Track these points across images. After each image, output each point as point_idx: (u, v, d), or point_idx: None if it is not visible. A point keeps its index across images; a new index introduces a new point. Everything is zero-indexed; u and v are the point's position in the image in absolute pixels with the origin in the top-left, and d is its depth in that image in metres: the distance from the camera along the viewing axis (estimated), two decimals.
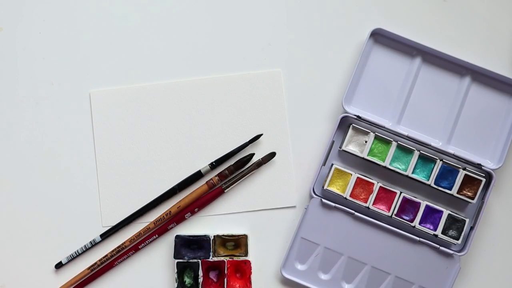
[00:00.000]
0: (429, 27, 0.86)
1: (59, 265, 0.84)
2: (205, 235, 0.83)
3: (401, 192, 0.83)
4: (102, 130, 0.86)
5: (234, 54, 0.86)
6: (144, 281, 0.84)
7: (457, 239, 0.82)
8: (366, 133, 0.83)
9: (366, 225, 0.83)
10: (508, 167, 0.85)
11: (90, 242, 0.84)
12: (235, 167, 0.84)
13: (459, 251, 0.83)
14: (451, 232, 0.83)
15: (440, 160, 0.83)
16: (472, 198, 0.83)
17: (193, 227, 0.85)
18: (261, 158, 0.84)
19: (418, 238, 0.83)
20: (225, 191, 0.84)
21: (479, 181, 0.83)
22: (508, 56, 0.86)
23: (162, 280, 0.84)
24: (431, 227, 0.83)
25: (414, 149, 0.83)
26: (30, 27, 0.87)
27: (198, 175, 0.85)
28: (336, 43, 0.86)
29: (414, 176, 0.83)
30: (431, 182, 0.83)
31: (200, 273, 0.83)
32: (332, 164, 0.84)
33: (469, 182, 0.83)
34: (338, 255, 0.83)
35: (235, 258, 0.83)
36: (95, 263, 0.84)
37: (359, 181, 0.83)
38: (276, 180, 0.85)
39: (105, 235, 0.84)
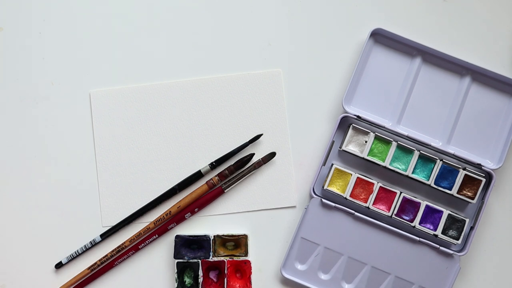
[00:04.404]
0: (429, 27, 0.86)
1: (59, 265, 0.84)
2: (205, 235, 0.83)
3: (401, 192, 0.83)
4: (102, 130, 0.86)
5: (234, 54, 0.87)
6: (144, 281, 0.84)
7: (457, 239, 0.82)
8: (366, 133, 0.83)
9: (366, 225, 0.83)
10: (508, 167, 0.85)
11: (90, 242, 0.84)
12: (235, 167, 0.84)
13: (459, 251, 0.83)
14: (451, 232, 0.83)
15: (440, 160, 0.83)
16: (472, 198, 0.83)
17: (193, 227, 0.85)
18: (261, 158, 0.84)
19: (418, 238, 0.83)
20: (225, 191, 0.84)
21: (479, 181, 0.83)
22: (508, 56, 0.86)
23: (162, 280, 0.84)
24: (431, 227, 0.83)
25: (414, 149, 0.83)
26: (30, 27, 0.87)
27: (198, 175, 0.85)
28: (336, 43, 0.86)
29: (414, 176, 0.83)
30: (431, 182, 0.83)
31: (200, 273, 0.83)
32: (332, 164, 0.84)
33: (469, 182, 0.83)
34: (338, 255, 0.83)
35: (235, 258, 0.83)
36: (95, 263, 0.84)
37: (359, 181, 0.83)
38: (276, 180, 0.85)
39: (105, 235, 0.84)
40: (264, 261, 0.84)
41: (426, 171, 0.83)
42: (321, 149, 0.85)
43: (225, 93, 0.86)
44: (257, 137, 0.85)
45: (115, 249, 0.84)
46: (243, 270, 0.83)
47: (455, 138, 0.84)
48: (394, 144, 0.83)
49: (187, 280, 0.83)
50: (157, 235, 0.84)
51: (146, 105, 0.86)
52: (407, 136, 0.84)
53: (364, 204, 0.83)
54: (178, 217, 0.84)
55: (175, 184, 0.85)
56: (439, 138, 0.84)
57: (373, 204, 0.83)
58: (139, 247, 0.84)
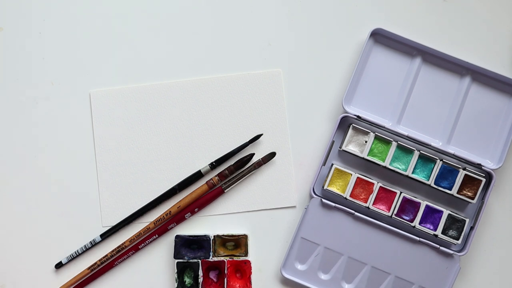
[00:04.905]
0: (429, 27, 0.86)
1: (59, 265, 0.84)
2: (205, 235, 0.83)
3: (401, 192, 0.83)
4: (102, 130, 0.86)
5: (234, 54, 0.87)
6: (144, 281, 0.84)
7: (457, 239, 0.82)
8: (366, 133, 0.83)
9: (366, 225, 0.83)
10: (508, 167, 0.85)
11: (90, 242, 0.84)
12: (235, 167, 0.84)
13: (459, 251, 0.83)
14: (451, 232, 0.83)
15: (440, 160, 0.83)
16: (472, 198, 0.83)
17: (193, 227, 0.85)
18: (261, 158, 0.84)
19: (418, 238, 0.83)
20: (225, 191, 0.84)
21: (479, 181, 0.83)
22: (508, 56, 0.86)
23: (162, 280, 0.84)
24: (431, 227, 0.83)
25: (414, 149, 0.83)
26: (30, 27, 0.87)
27: (198, 175, 0.85)
28: (336, 43, 0.86)
29: (414, 176, 0.83)
30: (431, 182, 0.83)
31: (200, 273, 0.83)
32: (332, 164, 0.84)
33: (469, 182, 0.83)
34: (338, 255, 0.83)
35: (235, 258, 0.83)
36: (95, 263, 0.84)
37: (359, 181, 0.83)
38: (276, 180, 0.85)
39: (105, 235, 0.84)
40: (264, 261, 0.84)
41: (426, 171, 0.83)
42: (321, 149, 0.85)
43: (225, 93, 0.86)
44: (257, 137, 0.85)
45: (115, 249, 0.84)
46: (243, 270, 0.83)
47: (455, 138, 0.84)
48: (394, 144, 0.83)
49: (187, 280, 0.83)
50: (157, 235, 0.84)
51: (146, 105, 0.86)
52: (407, 136, 0.84)
53: (364, 204, 0.83)
54: (178, 217, 0.84)
55: (175, 184, 0.85)
56: (439, 138, 0.84)
57: (373, 204, 0.83)
58: (139, 247, 0.84)
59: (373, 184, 0.83)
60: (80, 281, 0.84)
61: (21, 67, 0.86)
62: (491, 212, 0.85)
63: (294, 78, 0.86)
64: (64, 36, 0.87)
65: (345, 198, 0.83)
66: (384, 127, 0.84)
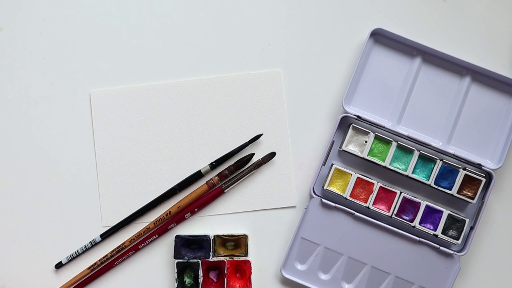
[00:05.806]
0: (429, 27, 0.86)
1: (59, 265, 0.84)
2: (205, 235, 0.83)
3: (401, 192, 0.83)
4: (102, 130, 0.86)
5: (234, 54, 0.87)
6: (144, 281, 0.84)
7: (457, 239, 0.82)
8: (366, 133, 0.83)
9: (366, 225, 0.83)
10: (508, 167, 0.85)
11: (90, 242, 0.84)
12: (235, 167, 0.84)
13: (459, 251, 0.83)
14: (451, 232, 0.83)
15: (440, 160, 0.83)
16: (472, 198, 0.83)
17: (193, 227, 0.85)
18: (261, 158, 0.84)
19: (418, 238, 0.83)
20: (225, 191, 0.84)
21: (479, 181, 0.83)
22: (508, 56, 0.86)
23: (162, 280, 0.84)
24: (431, 227, 0.83)
25: (414, 149, 0.83)
26: (30, 27, 0.87)
27: (198, 175, 0.85)
28: (336, 43, 0.87)
29: (414, 176, 0.83)
30: (431, 182, 0.83)
31: (200, 273, 0.83)
32: (332, 164, 0.84)
33: (469, 182, 0.83)
34: (338, 255, 0.83)
35: (235, 258, 0.83)
36: (95, 263, 0.84)
37: (359, 181, 0.83)
38: (276, 180, 0.85)
39: (105, 235, 0.84)
40: (264, 261, 0.84)
41: (426, 171, 0.83)
42: (321, 149, 0.85)
43: (225, 93, 0.86)
44: (257, 137, 0.85)
45: (115, 249, 0.84)
46: (243, 270, 0.83)
47: (455, 138, 0.84)
48: (394, 144, 0.83)
49: (187, 280, 0.83)
50: (157, 235, 0.84)
51: (146, 105, 0.86)
52: (407, 136, 0.84)
53: (364, 204, 0.83)
54: (178, 217, 0.84)
55: (175, 184, 0.85)
56: (439, 138, 0.84)
57: (373, 204, 0.83)
58: (139, 247, 0.84)
59: (373, 184, 0.83)
60: (80, 281, 0.84)
61: (21, 67, 0.86)
62: (491, 212, 0.85)
63: (294, 78, 0.86)
64: (64, 36, 0.87)
65: (345, 198, 0.83)
66: (384, 127, 0.84)
